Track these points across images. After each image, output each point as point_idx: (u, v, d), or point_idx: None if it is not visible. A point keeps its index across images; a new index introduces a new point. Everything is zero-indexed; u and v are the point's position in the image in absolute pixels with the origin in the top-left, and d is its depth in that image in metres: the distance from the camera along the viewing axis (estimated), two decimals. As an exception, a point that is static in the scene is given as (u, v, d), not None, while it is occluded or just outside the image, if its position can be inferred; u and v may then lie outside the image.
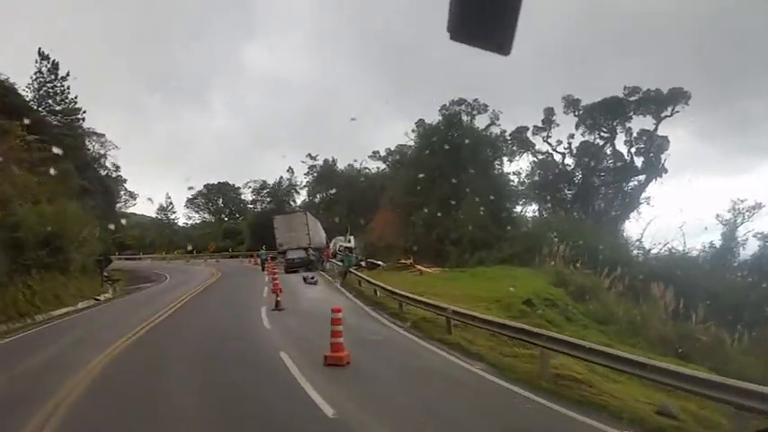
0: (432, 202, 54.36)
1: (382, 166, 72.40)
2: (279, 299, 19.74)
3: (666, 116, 49.92)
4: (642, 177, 52.57)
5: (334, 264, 38.52)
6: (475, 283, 29.24)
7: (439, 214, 53.53)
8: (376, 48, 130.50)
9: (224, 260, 70.29)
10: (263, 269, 45.36)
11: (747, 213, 45.57)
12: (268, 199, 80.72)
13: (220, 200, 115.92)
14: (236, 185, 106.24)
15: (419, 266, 45.26)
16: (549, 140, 54.15)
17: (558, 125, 53.38)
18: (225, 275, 40.89)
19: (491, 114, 55.41)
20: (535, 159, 55.07)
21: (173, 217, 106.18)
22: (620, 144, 51.85)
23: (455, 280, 32.53)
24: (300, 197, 79.69)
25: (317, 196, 74.02)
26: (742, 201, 44.79)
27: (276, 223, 44.42)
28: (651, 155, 50.21)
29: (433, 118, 58.56)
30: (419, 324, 17.78)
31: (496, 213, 51.98)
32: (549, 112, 53.42)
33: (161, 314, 20.66)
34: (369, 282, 26.00)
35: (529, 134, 54.44)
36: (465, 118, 56.56)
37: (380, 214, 63.99)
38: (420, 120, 67.62)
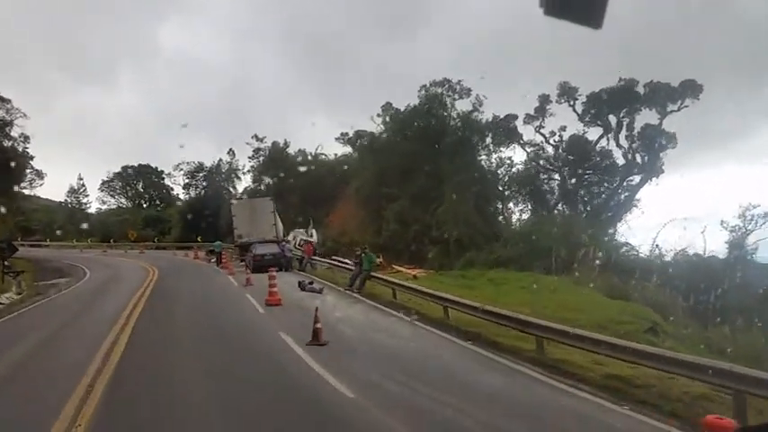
0: (406, 194, 47.41)
1: (343, 150, 64.47)
2: (318, 325, 11.84)
3: (673, 111, 44.73)
4: (638, 177, 47.25)
5: (316, 263, 30.63)
6: (521, 295, 22.29)
7: (416, 209, 46.73)
8: (305, 33, 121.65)
9: (151, 252, 60.27)
10: (218, 265, 37.35)
11: (761, 220, 40.86)
12: (204, 183, 70.93)
13: (140, 184, 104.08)
14: (160, 169, 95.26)
15: (401, 267, 38.16)
16: (542, 131, 48.03)
17: (553, 115, 47.31)
18: (166, 273, 32.10)
19: (473, 100, 48.87)
20: (526, 152, 48.73)
21: (85, 201, 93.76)
22: (619, 139, 46.08)
23: (476, 288, 25.45)
24: (243, 183, 70.51)
25: (264, 183, 65.16)
26: (754, 206, 39.88)
27: (234, 210, 36.13)
28: (654, 152, 44.87)
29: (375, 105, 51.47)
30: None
31: (484, 210, 45.52)
32: (544, 100, 47.41)
33: (116, 350, 12.35)
34: (423, 293, 17.97)
35: (519, 123, 47.92)
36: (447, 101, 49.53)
37: (342, 206, 56.32)
38: (387, 103, 60.61)
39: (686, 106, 44.57)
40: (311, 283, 22.08)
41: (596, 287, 26.36)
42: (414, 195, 47.22)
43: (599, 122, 48.53)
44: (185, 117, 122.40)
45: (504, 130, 47.62)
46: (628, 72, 46.18)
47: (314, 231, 43.72)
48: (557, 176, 51.88)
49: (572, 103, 48.38)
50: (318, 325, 11.91)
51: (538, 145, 49.46)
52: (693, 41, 73.00)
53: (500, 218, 47.87)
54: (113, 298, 22.01)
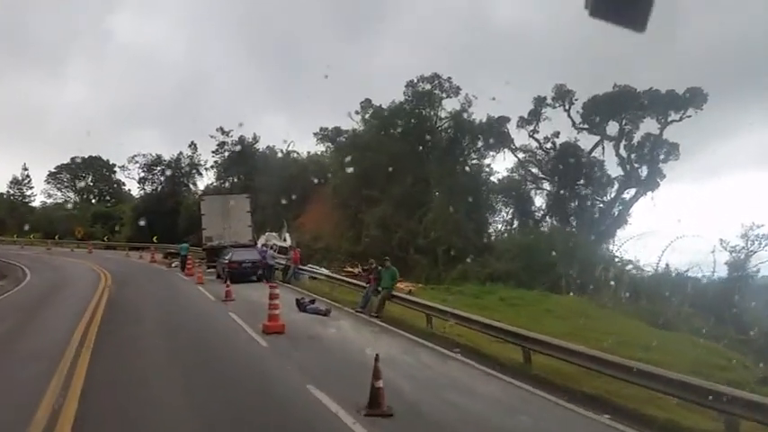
0: (390, 198, 43.58)
1: (316, 149, 60.22)
2: (379, 384, 7.64)
3: (674, 121, 42.25)
4: (632, 190, 44.64)
5: (302, 273, 26.19)
6: (553, 322, 18.67)
7: (400, 214, 42.93)
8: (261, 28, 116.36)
9: (100, 252, 54.67)
10: (182, 270, 32.73)
11: (765, 241, 38.54)
12: (162, 178, 65.26)
13: (90, 177, 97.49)
14: (111, 162, 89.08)
15: None
16: (537, 136, 44.92)
17: (549, 119, 44.21)
18: (121, 279, 27.18)
19: (462, 99, 45.39)
20: (517, 158, 45.49)
21: (29, 193, 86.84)
22: (611, 149, 43.38)
23: (491, 309, 21.69)
24: (205, 180, 65.26)
25: (229, 180, 60.18)
26: (758, 226, 37.51)
27: (204, 207, 31.55)
28: (654, 164, 42.34)
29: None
30: None
31: (475, 218, 42.02)
32: (539, 103, 44.30)
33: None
34: (481, 326, 13.57)
35: (512, 127, 44.67)
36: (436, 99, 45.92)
37: (316, 208, 52.11)
38: (366, 100, 56.71)
39: (689, 116, 42.09)
40: (312, 301, 17.78)
41: (630, 312, 23.00)
42: (398, 199, 43.45)
43: (594, 130, 45.78)
44: (140, 110, 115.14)
45: (496, 134, 44.17)
46: (624, 78, 43.59)
47: (287, 235, 39.41)
48: (546, 186, 48.92)
49: (567, 107, 45.46)
50: (380, 384, 7.85)
51: (530, 151, 46.15)
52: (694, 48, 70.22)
53: (490, 228, 44.35)
54: (54, 317, 17.37)
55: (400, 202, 43.41)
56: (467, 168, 42.45)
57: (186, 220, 58.92)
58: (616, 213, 45.95)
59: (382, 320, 16.19)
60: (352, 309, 18.09)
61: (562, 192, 46.83)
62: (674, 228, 44.79)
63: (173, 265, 36.70)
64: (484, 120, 43.07)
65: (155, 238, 55.32)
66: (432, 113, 46.10)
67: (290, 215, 49.69)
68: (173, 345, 12.92)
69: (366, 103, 56.32)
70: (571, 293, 28.68)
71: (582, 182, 46.71)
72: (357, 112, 55.37)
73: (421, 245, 40.27)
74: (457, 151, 42.80)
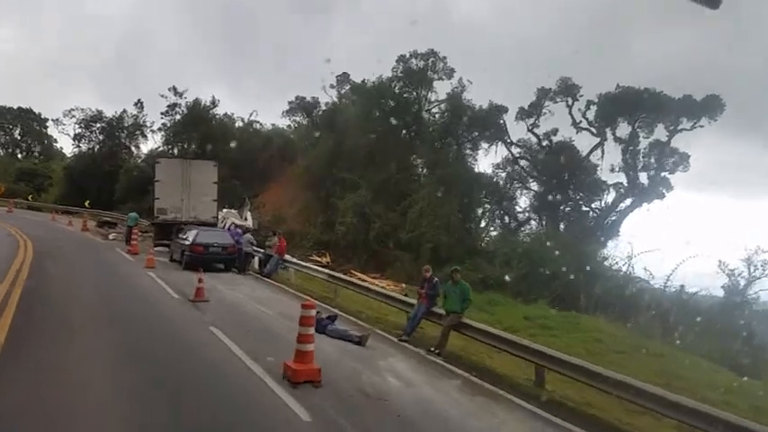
0: (370, 183, 38.49)
1: (281, 122, 54.29)
2: None
3: (683, 129, 38.81)
4: (629, 199, 41.14)
5: (290, 267, 20.44)
6: (614, 359, 14.10)
7: (379, 203, 37.89)
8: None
9: (21, 212, 47.18)
10: (127, 242, 26.68)
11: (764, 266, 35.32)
12: (101, 137, 57.60)
13: (17, 130, 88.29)
14: (44, 116, 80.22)
15: (364, 275, 29.31)
16: (536, 131, 40.64)
17: (552, 114, 40.07)
18: (45, 251, 20.98)
19: (456, 83, 40.66)
20: (511, 153, 41.19)
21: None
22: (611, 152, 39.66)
23: (521, 333, 16.97)
24: (150, 144, 58.10)
25: (178, 146, 53.35)
26: (764, 251, 34.25)
27: (160, 172, 25.20)
28: (657, 173, 38.86)
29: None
30: None
31: (467, 215, 37.48)
32: (543, 95, 40.04)
33: None
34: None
35: (508, 119, 40.19)
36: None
37: (279, 187, 46.38)
38: (344, 73, 51.32)
39: (701, 126, 38.66)
40: (333, 319, 12.27)
41: (689, 347, 18.79)
42: (378, 186, 38.38)
43: (593, 130, 41.91)
44: (78, 64, 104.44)
45: (495, 124, 39.64)
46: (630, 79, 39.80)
47: (249, 214, 33.78)
48: (533, 186, 44.77)
49: (571, 103, 41.38)
50: None
51: (526, 146, 41.86)
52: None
53: (479, 227, 39.90)
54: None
55: (380, 190, 38.38)
56: (463, 157, 37.64)
57: (125, 186, 52.14)
58: (609, 222, 42.22)
59: (446, 359, 11.13)
60: (392, 335, 12.91)
61: (552, 194, 42.73)
62: (672, 243, 41.08)
63: (110, 236, 30.43)
64: (481, 107, 38.21)
65: (87, 202, 48.47)
66: (423, 94, 41.15)
67: (249, 192, 43.80)
68: (132, 407, 7.25)
69: (343, 77, 51.14)
70: (597, 314, 24.40)
71: (573, 185, 42.71)
72: (332, 86, 50.14)
73: (403, 239, 35.32)
74: (450, 139, 37.98)
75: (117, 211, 50.40)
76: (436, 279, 13.49)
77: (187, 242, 19.80)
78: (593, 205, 42.67)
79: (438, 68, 41.70)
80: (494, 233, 40.76)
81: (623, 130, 40.05)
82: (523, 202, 44.88)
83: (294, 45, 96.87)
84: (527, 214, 44.60)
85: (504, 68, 68.77)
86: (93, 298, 14.00)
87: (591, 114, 40.41)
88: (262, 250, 20.87)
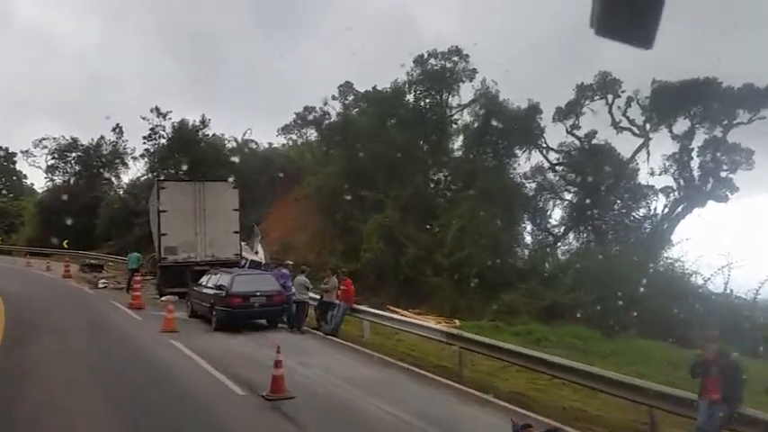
0: (395, 202, 33.60)
1: (277, 141, 49.39)
2: None
3: (741, 123, 34.68)
4: (678, 205, 36.83)
5: (364, 320, 14.73)
6: None
7: (408, 223, 33.02)
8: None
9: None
10: (127, 290, 21.42)
11: None
12: (77, 168, 51.78)
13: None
14: (11, 150, 73.89)
15: (405, 311, 24.34)
16: (576, 132, 36.17)
17: (594, 112, 35.74)
18: (21, 309, 15.66)
19: (479, 85, 36.09)
20: (547, 160, 36.69)
21: None
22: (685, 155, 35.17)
23: None
24: (132, 172, 52.38)
25: (164, 173, 47.83)
26: None
27: (166, 199, 19.71)
28: (716, 173, 34.59)
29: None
30: None
31: (511, 233, 32.74)
32: (582, 92, 35.66)
33: None
34: None
35: (542, 121, 35.65)
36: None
37: (283, 211, 41.21)
38: (346, 82, 46.64)
39: (762, 117, 34.50)
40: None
41: None
42: (405, 204, 33.47)
43: (635, 130, 37.61)
44: (46, 101, 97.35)
45: (528, 128, 35.00)
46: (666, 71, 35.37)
47: (260, 246, 28.46)
48: (567, 195, 40.07)
49: (610, 101, 37.07)
50: None
51: (565, 151, 37.29)
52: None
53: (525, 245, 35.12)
54: None
55: (407, 208, 33.45)
56: (502, 168, 32.92)
57: (107, 221, 46.43)
58: (659, 231, 37.70)
59: None
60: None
61: (591, 203, 38.07)
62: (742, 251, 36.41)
63: (100, 283, 24.92)
64: (519, 107, 33.61)
65: (65, 242, 42.61)
66: (447, 98, 36.54)
67: (251, 219, 38.50)
68: None
69: (346, 87, 46.44)
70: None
71: (616, 193, 38.19)
72: (335, 98, 45.38)
73: (441, 264, 30.36)
74: (487, 145, 33.27)
75: (99, 250, 44.70)
76: (733, 360, 8.01)
77: (218, 292, 14.56)
78: (640, 213, 38.19)
79: (457, 69, 37.13)
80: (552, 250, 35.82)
81: (679, 126, 35.63)
82: (556, 214, 40.16)
83: (271, 64, 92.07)
84: (562, 228, 39.87)
85: (526, 67, 63.90)
86: (105, 408, 8.67)
87: (631, 113, 36.21)
88: (318, 297, 15.52)
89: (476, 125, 33.79)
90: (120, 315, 16.98)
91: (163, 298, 19.75)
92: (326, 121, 40.49)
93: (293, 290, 15.14)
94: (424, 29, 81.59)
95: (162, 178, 22.05)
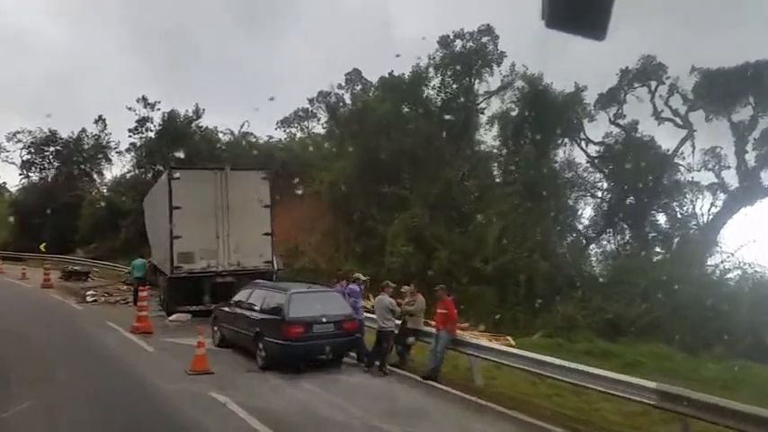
0: (422, 199, 29.88)
1: (280, 134, 45.51)
2: None
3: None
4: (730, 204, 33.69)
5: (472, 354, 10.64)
6: None
7: (438, 224, 29.31)
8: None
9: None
10: (135, 302, 17.38)
11: None
12: (56, 163, 47.10)
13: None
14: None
15: (476, 331, 20.42)
16: (620, 122, 32.71)
17: (640, 99, 32.40)
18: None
19: (507, 71, 32.45)
20: (586, 153, 33.21)
21: None
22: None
23: None
24: (117, 169, 47.86)
25: (153, 169, 43.42)
26: None
27: (180, 193, 15.22)
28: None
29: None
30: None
31: (562, 232, 29.23)
32: (625, 78, 32.23)
33: None
34: None
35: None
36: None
37: (289, 210, 36.95)
38: (354, 70, 42.91)
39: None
40: None
41: None
42: (434, 201, 29.69)
43: (679, 121, 34.33)
44: (19, 92, 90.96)
45: (568, 117, 31.37)
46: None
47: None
48: (599, 192, 36.48)
49: (653, 89, 33.75)
50: None
51: (605, 143, 33.75)
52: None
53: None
54: None
55: (436, 206, 29.65)
56: (547, 161, 29.27)
57: (90, 223, 41.92)
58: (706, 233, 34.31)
59: None
60: None
61: (629, 201, 34.56)
62: None
63: (88, 296, 20.66)
64: (563, 91, 29.99)
65: (43, 245, 38.10)
66: (475, 84, 32.84)
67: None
68: None
69: (354, 75, 42.65)
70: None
71: (658, 190, 34.67)
72: (341, 86, 41.61)
73: (479, 270, 26.59)
74: (525, 136, 29.58)
75: (82, 253, 40.21)
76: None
77: (268, 316, 10.54)
78: (686, 212, 34.76)
79: (489, 51, 33.40)
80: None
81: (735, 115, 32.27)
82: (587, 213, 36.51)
83: (258, 58, 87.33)
84: (596, 228, 36.23)
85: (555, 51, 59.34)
86: None
87: (673, 102, 32.89)
88: (397, 322, 11.37)
89: (515, 112, 29.98)
90: (124, 345, 12.76)
91: (172, 318, 15.67)
92: (343, 110, 36.36)
93: (361, 312, 11.17)
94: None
95: (173, 165, 17.69)
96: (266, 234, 16.07)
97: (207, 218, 15.22)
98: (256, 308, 10.95)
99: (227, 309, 12.25)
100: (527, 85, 29.42)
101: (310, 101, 40.84)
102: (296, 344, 9.87)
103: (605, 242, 35.35)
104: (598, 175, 33.54)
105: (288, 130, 48.73)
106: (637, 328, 23.10)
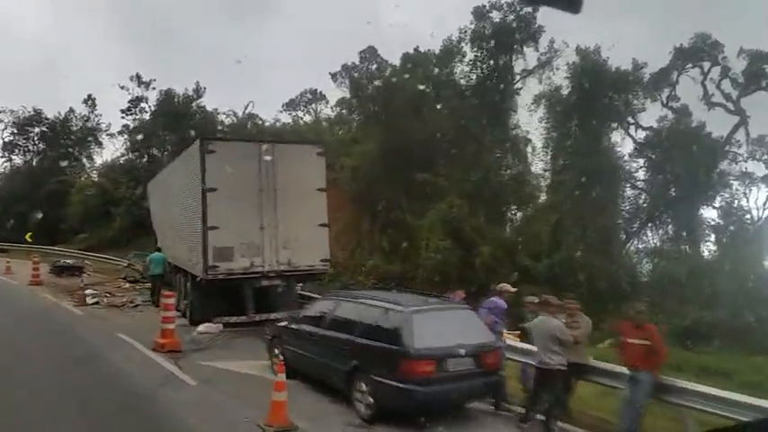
0: (457, 187, 26.82)
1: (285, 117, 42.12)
2: None
3: None
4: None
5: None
6: None
7: (477, 215, 26.19)
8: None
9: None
10: (155, 304, 15.14)
11: None
12: (41, 145, 43.23)
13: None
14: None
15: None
16: (673, 105, 29.78)
17: (695, 81, 29.60)
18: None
19: (545, 48, 29.37)
20: (634, 141, 30.34)
21: None
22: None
23: None
24: (107, 153, 44.19)
25: (147, 153, 39.83)
26: None
27: (216, 170, 11.50)
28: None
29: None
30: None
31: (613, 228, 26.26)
32: (679, 58, 29.25)
33: None
34: None
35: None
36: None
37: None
38: (369, 47, 39.74)
39: None
40: None
41: None
42: (472, 191, 26.56)
43: (730, 106, 31.56)
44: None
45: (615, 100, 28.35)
46: None
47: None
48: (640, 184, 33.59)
49: (707, 71, 30.88)
50: None
51: (652, 128, 30.82)
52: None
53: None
54: None
55: (474, 197, 26.46)
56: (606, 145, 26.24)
57: (80, 211, 38.28)
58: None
59: None
60: None
61: (677, 193, 31.66)
62: None
63: (88, 296, 17.22)
64: (619, 68, 26.92)
65: (29, 235, 34.48)
66: (512, 61, 29.68)
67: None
68: None
69: (369, 53, 39.37)
70: None
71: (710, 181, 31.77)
72: (355, 64, 38.38)
73: (531, 268, 23.50)
74: (583, 119, 26.44)
75: (70, 245, 36.58)
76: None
77: (369, 343, 7.19)
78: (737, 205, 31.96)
79: (529, 23, 30.23)
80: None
81: None
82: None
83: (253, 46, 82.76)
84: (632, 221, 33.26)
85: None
86: None
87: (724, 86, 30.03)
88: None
89: (567, 91, 26.86)
90: (151, 373, 9.21)
91: (200, 328, 12.35)
92: (370, 87, 32.96)
93: (501, 337, 7.79)
94: None
95: (206, 136, 14.15)
96: (322, 225, 12.75)
97: (249, 204, 11.84)
98: (351, 329, 7.66)
99: (294, 326, 8.95)
100: (581, 61, 26.23)
101: (333, 75, 37.07)
102: (423, 389, 6.63)
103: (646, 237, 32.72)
104: (640, 162, 30.55)
105: (293, 114, 45.39)
106: (720, 335, 20.31)
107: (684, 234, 30.87)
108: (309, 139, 36.78)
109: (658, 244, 31.28)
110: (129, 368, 9.80)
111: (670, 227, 31.80)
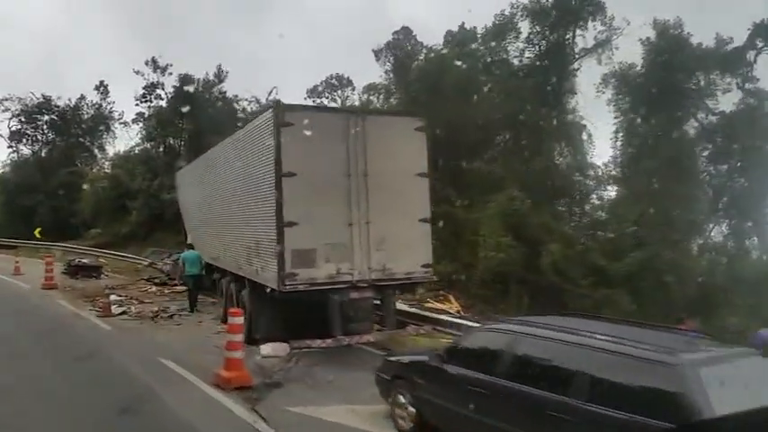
0: (518, 179, 24.25)
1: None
2: None
3: None
4: None
5: None
6: None
7: (540, 206, 23.62)
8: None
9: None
10: (192, 310, 13.95)
11: None
12: (50, 135, 40.65)
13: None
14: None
15: None
16: (751, 86, 26.92)
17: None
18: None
19: (605, 26, 26.48)
20: (701, 124, 27.44)
21: None
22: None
23: None
24: (121, 143, 41.64)
25: (165, 143, 37.24)
26: None
27: (294, 148, 8.74)
28: None
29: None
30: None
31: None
32: (758, 33, 26.38)
33: None
34: None
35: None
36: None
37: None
38: (404, 28, 36.92)
39: None
40: None
41: None
42: (533, 183, 23.87)
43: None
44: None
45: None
46: None
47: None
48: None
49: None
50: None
51: (723, 112, 27.89)
52: None
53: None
54: None
55: (534, 189, 23.70)
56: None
57: (92, 205, 35.74)
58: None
59: None
60: None
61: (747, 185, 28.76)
62: None
63: (113, 304, 14.59)
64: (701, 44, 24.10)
65: (38, 231, 31.90)
66: (572, 39, 26.90)
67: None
68: None
69: (404, 34, 36.59)
70: None
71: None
72: (398, 39, 35.52)
73: (607, 269, 20.81)
74: (660, 102, 23.61)
75: (82, 240, 34.04)
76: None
77: (607, 413, 4.25)
78: None
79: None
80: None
81: None
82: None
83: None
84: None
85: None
86: None
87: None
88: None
89: (641, 72, 24.04)
90: (224, 425, 6.70)
91: (264, 351, 9.69)
92: (414, 65, 30.14)
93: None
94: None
95: (282, 103, 11.22)
96: (424, 220, 10.01)
97: (334, 193, 9.11)
98: (564, 385, 4.85)
99: (444, 367, 6.13)
100: (657, 37, 23.38)
101: (376, 53, 34.00)
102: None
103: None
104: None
105: (317, 101, 42.70)
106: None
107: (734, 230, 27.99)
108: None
109: (720, 240, 28.57)
110: (192, 417, 7.06)
111: (734, 222, 29.05)
